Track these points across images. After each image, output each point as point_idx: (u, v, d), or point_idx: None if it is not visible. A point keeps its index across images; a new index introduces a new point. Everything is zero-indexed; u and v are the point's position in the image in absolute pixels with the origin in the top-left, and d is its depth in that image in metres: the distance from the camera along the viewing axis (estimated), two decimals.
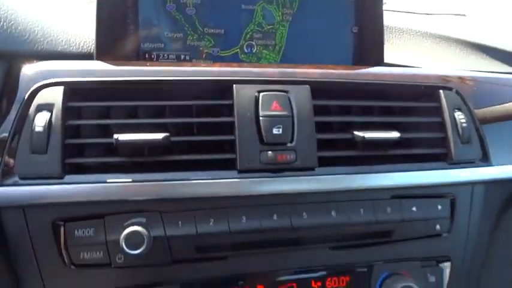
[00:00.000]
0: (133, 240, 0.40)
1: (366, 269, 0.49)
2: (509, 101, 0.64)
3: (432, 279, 0.51)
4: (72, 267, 0.42)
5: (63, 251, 0.42)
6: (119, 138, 0.42)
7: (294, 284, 0.47)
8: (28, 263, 0.42)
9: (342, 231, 0.47)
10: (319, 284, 0.48)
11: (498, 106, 0.63)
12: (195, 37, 0.56)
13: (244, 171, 0.45)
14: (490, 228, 0.58)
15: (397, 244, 0.50)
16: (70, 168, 0.42)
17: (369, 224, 0.48)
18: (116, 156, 0.43)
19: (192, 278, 0.44)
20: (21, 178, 0.41)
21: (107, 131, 0.44)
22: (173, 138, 0.44)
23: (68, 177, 0.42)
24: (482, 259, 0.57)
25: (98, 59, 0.51)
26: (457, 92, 0.55)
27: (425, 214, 0.50)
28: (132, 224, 0.41)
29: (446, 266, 0.52)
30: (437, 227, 0.51)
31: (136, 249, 0.40)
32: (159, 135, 0.43)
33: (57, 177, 0.41)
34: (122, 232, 0.40)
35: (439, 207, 0.51)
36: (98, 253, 0.42)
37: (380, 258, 0.49)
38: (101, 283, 0.42)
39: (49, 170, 0.41)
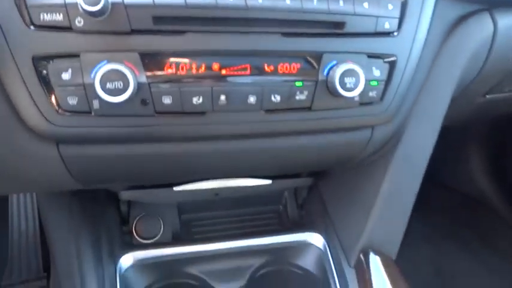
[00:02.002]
0: None
1: (316, 57, 0.53)
2: None
3: (377, 73, 0.55)
4: (33, 28, 0.44)
5: (23, 12, 0.43)
6: None
7: (248, 66, 0.51)
8: None
9: (294, 17, 0.50)
10: (271, 68, 0.51)
11: None
12: None
13: None
14: (438, 40, 0.62)
15: (347, 38, 0.53)
16: None
17: (320, 12, 0.50)
18: None
19: (151, 49, 0.47)
20: None
21: None
22: None
23: None
24: (428, 65, 0.62)
25: None
26: None
27: (376, 11, 0.53)
28: None
29: (391, 64, 0.57)
30: (387, 25, 0.54)
31: (94, 5, 0.42)
32: None
33: None
34: None
35: (390, 6, 0.54)
36: (57, 15, 0.44)
37: (330, 50, 0.53)
38: (62, 47, 0.45)
39: None
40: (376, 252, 0.76)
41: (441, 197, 1.81)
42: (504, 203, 1.75)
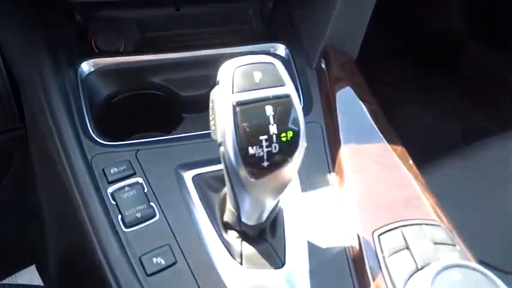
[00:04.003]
0: None
1: None
2: None
3: None
4: None
5: None
6: None
7: None
8: None
9: None
10: None
11: None
12: None
13: None
14: None
15: None
16: None
17: None
18: None
19: None
20: None
21: None
22: None
23: None
24: None
25: None
26: None
27: None
28: None
29: None
30: None
31: None
32: None
33: None
34: None
35: None
36: None
37: None
38: None
39: None
40: (337, 52, 0.77)
41: (417, 39, 1.79)
42: (479, 44, 1.74)
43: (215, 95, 0.42)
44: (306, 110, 0.73)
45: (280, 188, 0.45)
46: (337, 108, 0.70)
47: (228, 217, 0.53)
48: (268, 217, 0.50)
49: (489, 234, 0.95)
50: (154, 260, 0.52)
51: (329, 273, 0.53)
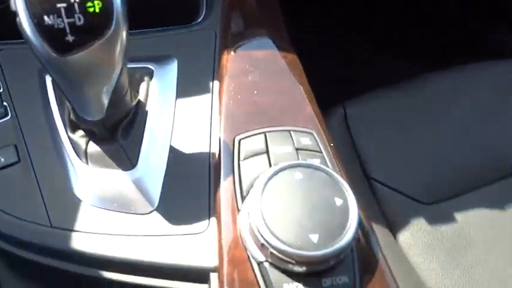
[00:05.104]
0: None
1: None
2: None
3: None
4: None
5: None
6: None
7: None
8: None
9: None
10: None
11: None
12: None
13: None
14: None
15: None
16: None
17: None
18: None
19: None
20: None
21: None
22: None
23: None
24: None
25: None
26: None
27: None
28: None
29: None
30: None
31: None
32: None
33: None
34: None
35: None
36: None
37: None
38: None
39: None
40: None
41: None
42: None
43: None
44: (205, 17, 0.67)
45: (101, 73, 0.40)
46: (232, 16, 0.65)
47: (71, 114, 0.49)
48: (113, 113, 0.46)
49: (415, 166, 0.92)
50: None
51: (186, 177, 0.50)
